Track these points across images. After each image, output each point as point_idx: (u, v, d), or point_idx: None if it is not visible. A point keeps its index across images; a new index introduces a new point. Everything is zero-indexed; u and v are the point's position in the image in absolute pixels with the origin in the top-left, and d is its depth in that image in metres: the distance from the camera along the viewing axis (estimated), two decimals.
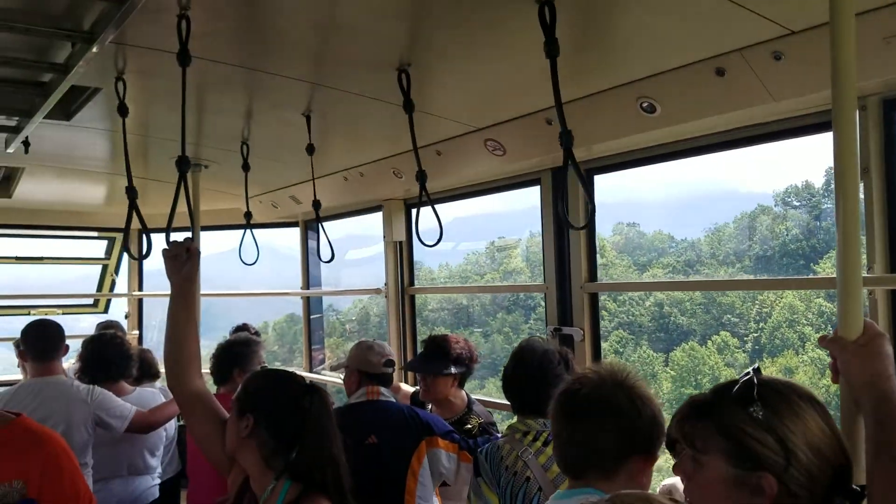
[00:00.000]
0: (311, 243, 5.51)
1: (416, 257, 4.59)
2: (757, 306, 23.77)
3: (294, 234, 5.64)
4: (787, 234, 24.92)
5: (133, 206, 2.60)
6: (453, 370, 3.22)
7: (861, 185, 2.16)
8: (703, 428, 1.29)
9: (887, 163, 2.18)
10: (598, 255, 3.30)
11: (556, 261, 3.33)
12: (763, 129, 2.52)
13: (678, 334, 24.10)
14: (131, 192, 2.66)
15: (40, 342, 3.54)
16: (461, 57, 2.37)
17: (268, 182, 4.58)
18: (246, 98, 3.00)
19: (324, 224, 5.51)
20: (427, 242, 2.69)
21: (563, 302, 3.31)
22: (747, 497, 1.23)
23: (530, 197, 3.50)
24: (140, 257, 5.61)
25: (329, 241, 3.56)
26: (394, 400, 3.07)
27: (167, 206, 2.73)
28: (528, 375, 2.67)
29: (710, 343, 23.59)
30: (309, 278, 5.54)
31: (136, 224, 2.60)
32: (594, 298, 3.28)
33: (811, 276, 17.61)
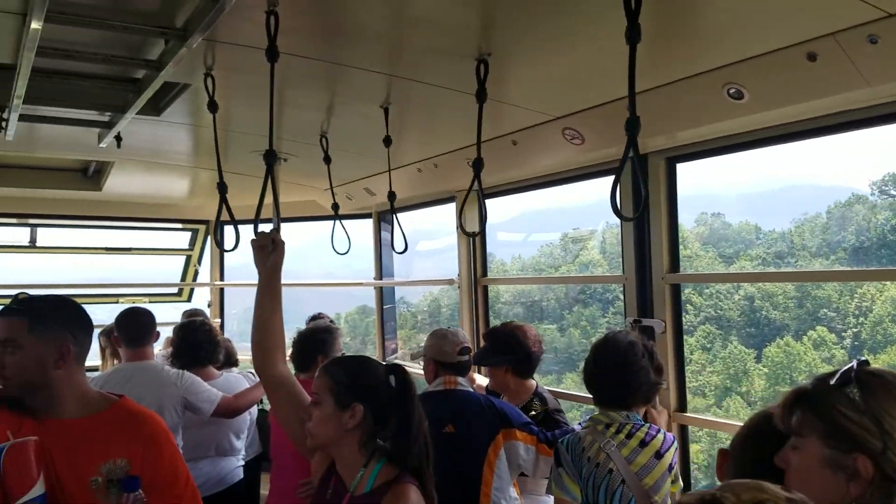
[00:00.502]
0: (384, 234, 5.58)
1: (491, 248, 4.59)
2: (856, 300, 22.70)
3: (361, 225, 5.73)
4: (885, 225, 23.69)
5: (224, 200, 2.69)
6: (501, 360, 3.24)
7: None
8: (802, 413, 1.28)
9: None
10: (680, 247, 3.23)
11: (636, 251, 3.27)
12: (856, 115, 2.40)
13: (770, 329, 23.19)
14: (222, 188, 2.75)
15: (134, 329, 3.72)
16: (542, 44, 2.35)
17: (343, 174, 4.66)
18: (326, 91, 3.06)
19: (396, 215, 5.61)
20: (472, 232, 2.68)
21: (643, 293, 3.25)
22: (843, 480, 1.21)
23: (606, 187, 3.45)
24: (225, 248, 5.78)
25: (402, 232, 3.59)
26: (471, 390, 3.09)
27: (245, 199, 2.84)
28: (611, 367, 2.64)
29: (805, 339, 22.64)
30: (382, 269, 5.61)
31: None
32: (676, 290, 3.20)
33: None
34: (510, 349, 3.29)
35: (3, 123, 3.08)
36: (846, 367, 1.28)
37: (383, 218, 5.57)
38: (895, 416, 1.20)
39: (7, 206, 5.23)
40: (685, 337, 3.25)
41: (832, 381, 1.28)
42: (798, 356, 22.04)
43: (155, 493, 2.04)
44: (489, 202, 4.45)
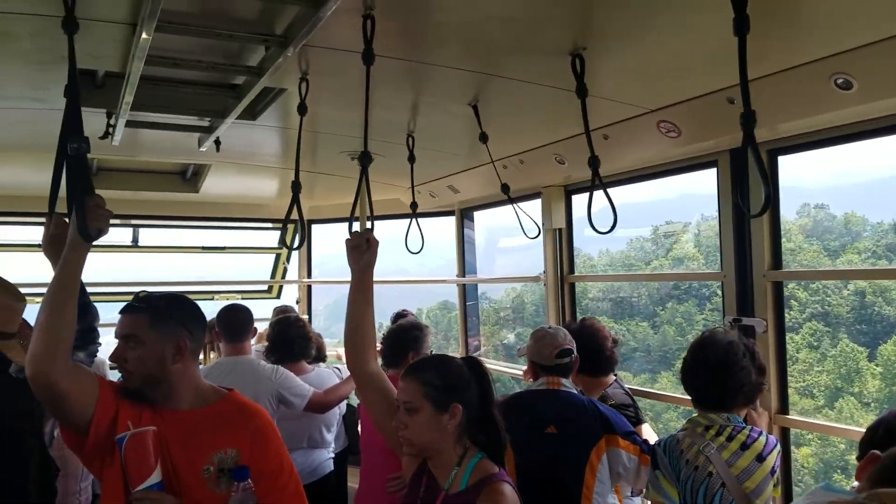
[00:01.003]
0: (467, 231, 5.58)
1: (575, 243, 4.53)
2: None
3: (438, 224, 5.76)
4: None
5: (295, 199, 2.75)
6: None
7: None
8: None
9: None
10: (782, 240, 3.09)
11: (736, 247, 3.15)
12: None
13: (884, 326, 21.84)
14: (295, 187, 2.82)
15: (233, 324, 3.87)
16: (638, 36, 2.29)
17: (426, 172, 4.69)
18: (413, 91, 3.07)
19: (478, 213, 5.61)
20: (601, 230, 2.62)
21: (742, 291, 3.13)
22: None
23: (698, 180, 3.35)
24: (293, 246, 5.94)
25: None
26: (576, 391, 3.03)
27: (334, 197, 2.89)
28: (710, 368, 2.56)
29: None
30: (465, 266, 5.62)
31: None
32: (778, 287, 3.07)
33: None
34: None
35: (111, 129, 3.24)
36: None
37: (466, 215, 5.58)
38: None
39: (112, 208, 5.46)
40: (789, 335, 3.12)
41: None
42: None
43: (262, 483, 2.10)
44: (575, 198, 4.44)
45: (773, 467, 2.51)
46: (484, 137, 3.24)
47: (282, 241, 6.02)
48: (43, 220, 2.29)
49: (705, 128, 2.83)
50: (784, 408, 3.07)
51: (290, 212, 2.85)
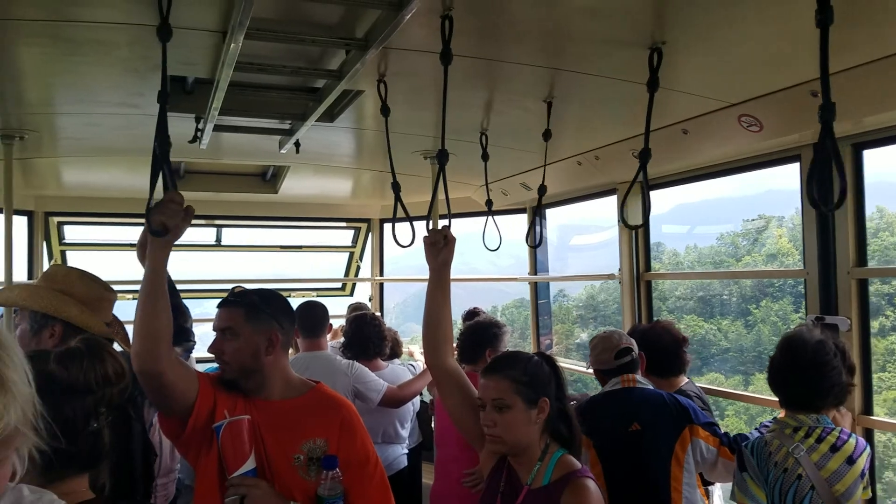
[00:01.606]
0: (538, 228, 5.56)
1: (657, 238, 4.46)
2: None
3: (510, 221, 5.75)
4: None
5: (398, 199, 2.81)
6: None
7: None
8: None
9: None
10: (866, 235, 2.98)
11: (819, 243, 3.06)
12: None
13: None
14: (396, 187, 2.88)
15: (311, 321, 3.98)
16: (719, 30, 2.25)
17: (499, 170, 4.71)
18: (487, 89, 3.10)
19: (551, 210, 5.59)
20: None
21: (826, 288, 3.04)
22: None
23: (792, 174, 3.25)
24: (402, 244, 6.04)
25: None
26: (651, 386, 3.03)
27: (406, 196, 2.95)
28: (798, 367, 2.51)
29: None
30: (536, 264, 5.61)
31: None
32: (863, 285, 2.97)
33: None
34: (641, 347, 3.23)
35: (199, 133, 3.39)
36: None
37: (538, 213, 5.56)
38: None
39: (197, 209, 5.69)
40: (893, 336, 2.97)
41: None
42: None
43: (349, 472, 2.18)
44: (653, 193, 4.36)
45: (864, 470, 2.44)
46: (547, 135, 3.23)
47: (354, 240, 6.13)
48: (142, 221, 2.42)
49: (788, 121, 2.75)
50: (868, 408, 2.97)
51: (395, 210, 2.92)
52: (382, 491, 2.31)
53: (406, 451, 4.34)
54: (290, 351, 4.60)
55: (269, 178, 5.33)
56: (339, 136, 3.91)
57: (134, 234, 5.55)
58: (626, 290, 4.43)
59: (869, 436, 2.98)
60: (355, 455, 2.25)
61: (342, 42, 2.36)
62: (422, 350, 2.56)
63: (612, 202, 4.54)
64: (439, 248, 2.42)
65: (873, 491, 2.59)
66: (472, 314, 4.97)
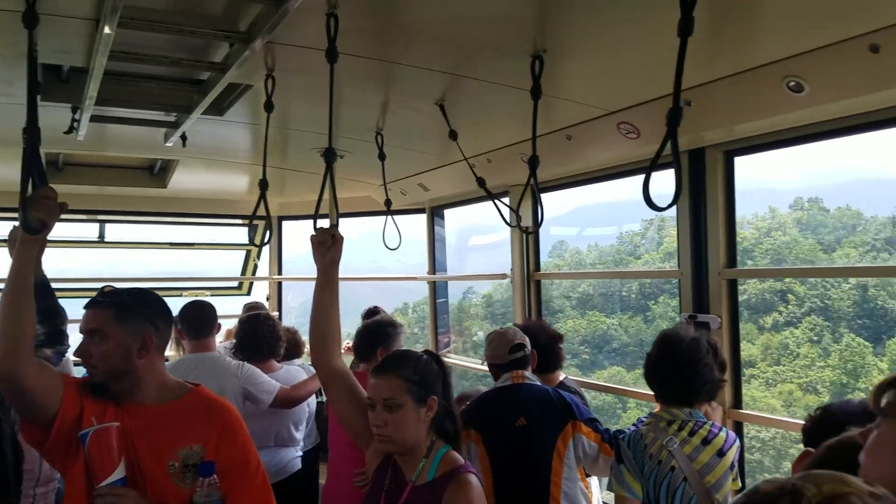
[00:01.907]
0: (438, 229, 5.62)
1: (562, 237, 4.59)
2: None
3: (417, 220, 5.78)
4: None
5: (262, 197, 2.77)
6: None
7: None
8: (893, 394, 1.28)
9: None
10: (736, 237, 3.18)
11: (692, 245, 3.24)
12: None
13: (888, 321, 21.78)
14: (263, 185, 2.83)
15: (197, 321, 3.86)
16: (598, 39, 2.35)
17: (397, 170, 4.72)
18: (381, 90, 3.11)
19: (448, 211, 5.65)
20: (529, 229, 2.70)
21: (698, 288, 3.22)
22: None
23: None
24: (256, 243, 5.94)
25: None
26: (539, 382, 3.13)
27: (306, 194, 2.92)
28: (674, 364, 2.63)
29: None
30: (435, 264, 5.66)
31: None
32: (733, 285, 3.16)
33: None
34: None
35: (75, 124, 3.22)
36: None
37: (436, 213, 5.62)
38: None
39: (78, 203, 5.44)
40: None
41: None
42: None
43: (228, 478, 2.12)
44: (543, 196, 4.48)
45: (733, 462, 2.58)
46: (454, 135, 3.27)
47: (250, 239, 6.01)
48: (13, 215, 2.29)
49: (662, 129, 2.88)
50: (738, 402, 3.16)
51: (256, 208, 2.86)
52: (264, 496, 2.26)
53: (300, 453, 4.27)
54: (176, 352, 4.49)
55: (157, 172, 5.12)
56: (230, 130, 3.82)
57: (4, 228, 5.23)
58: (517, 290, 4.54)
59: (739, 429, 3.18)
60: (235, 460, 2.19)
61: (223, 34, 2.31)
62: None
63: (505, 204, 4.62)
64: (327, 247, 2.41)
65: (742, 482, 2.75)
66: (371, 313, 4.95)
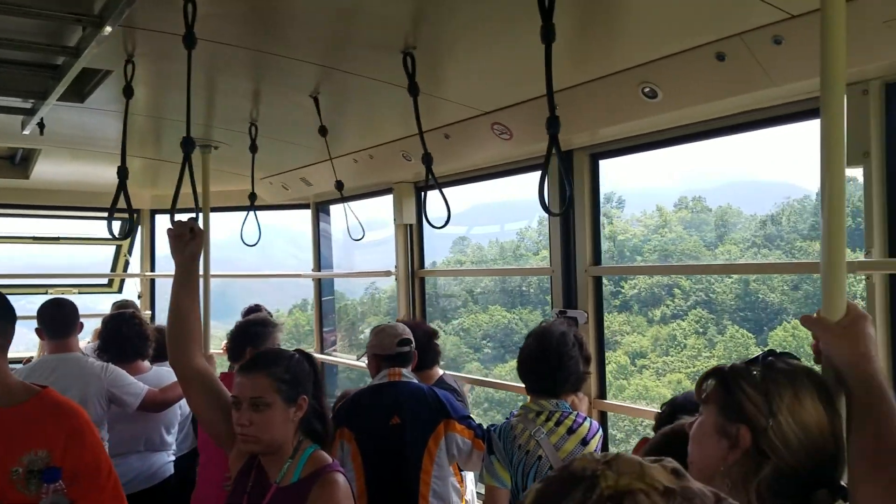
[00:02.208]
0: (323, 225, 5.55)
1: (463, 233, 4.63)
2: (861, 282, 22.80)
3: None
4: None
5: (122, 186, 2.65)
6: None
7: (861, 170, 2.17)
8: (713, 383, 1.38)
9: (888, 147, 2.17)
10: (601, 236, 3.32)
11: (562, 244, 3.35)
12: (765, 113, 2.51)
13: (768, 313, 22.88)
14: (122, 173, 2.70)
15: (56, 320, 3.63)
16: (466, 40, 2.39)
17: (278, 164, 4.62)
18: (254, 80, 3.03)
19: (334, 207, 5.59)
20: (436, 225, 2.73)
21: (567, 284, 3.34)
22: (726, 445, 1.31)
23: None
24: (115, 234, 5.68)
25: (358, 220, 3.60)
26: (415, 380, 3.13)
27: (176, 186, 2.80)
28: (544, 357, 2.72)
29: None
30: (321, 260, 5.59)
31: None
32: (598, 281, 3.30)
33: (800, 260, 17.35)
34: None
35: None
36: (761, 353, 1.39)
37: (321, 209, 5.54)
38: (785, 400, 1.28)
39: None
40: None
41: (745, 362, 1.38)
42: (807, 338, 21.84)
43: (76, 485, 2.04)
44: (432, 193, 4.51)
45: (596, 450, 2.69)
46: (323, 131, 3.23)
47: (110, 232, 5.72)
48: None
49: (534, 131, 2.96)
50: (602, 393, 3.30)
51: (115, 200, 2.72)
52: (116, 501, 2.17)
53: (172, 458, 4.10)
54: (35, 354, 4.21)
55: (18, 162, 4.79)
56: (93, 118, 3.61)
57: None
58: (402, 287, 4.56)
59: (603, 417, 3.32)
60: (84, 466, 2.10)
61: (73, 17, 2.18)
62: None
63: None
64: (185, 241, 2.33)
65: None
66: (249, 311, 4.82)
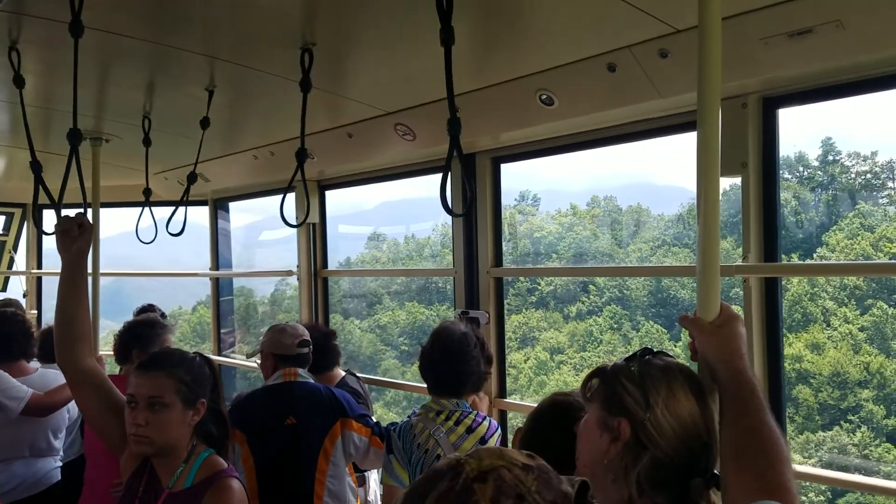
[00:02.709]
0: (222, 223, 5.39)
1: (378, 229, 4.59)
2: None
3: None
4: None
5: (39, 181, 2.50)
6: None
7: (739, 179, 2.31)
8: (596, 382, 1.45)
9: (765, 158, 2.32)
10: (502, 239, 3.39)
11: (465, 245, 3.40)
12: (652, 124, 2.62)
13: (679, 309, 23.41)
14: (36, 167, 2.55)
15: None
16: (368, 39, 2.38)
17: (173, 158, 4.46)
18: (147, 71, 2.92)
19: (237, 204, 5.44)
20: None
21: (470, 286, 3.39)
22: (608, 439, 1.37)
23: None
24: (44, 232, 5.37)
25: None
26: (311, 381, 3.09)
27: (71, 181, 2.65)
28: (446, 357, 2.74)
29: None
30: (218, 259, 5.42)
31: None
32: (499, 282, 3.37)
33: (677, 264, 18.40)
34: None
35: None
36: (638, 350, 1.46)
37: (220, 206, 5.38)
38: (661, 394, 1.35)
39: None
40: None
41: (624, 359, 1.45)
42: None
43: None
44: (330, 193, 4.47)
45: None
46: (206, 123, 3.12)
47: (6, 227, 5.39)
48: None
49: (436, 133, 2.99)
50: (502, 392, 3.37)
51: (36, 195, 2.54)
52: None
53: (59, 464, 3.90)
54: None
55: None
56: None
57: None
58: (304, 287, 4.49)
59: (503, 417, 3.39)
60: None
61: None
62: None
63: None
64: (73, 236, 2.25)
65: None
66: (142, 311, 4.63)
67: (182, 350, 2.35)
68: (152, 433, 2.07)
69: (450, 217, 2.49)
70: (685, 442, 1.34)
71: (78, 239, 2.25)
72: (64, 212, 2.35)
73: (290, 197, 4.50)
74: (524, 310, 24.73)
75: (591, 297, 24.26)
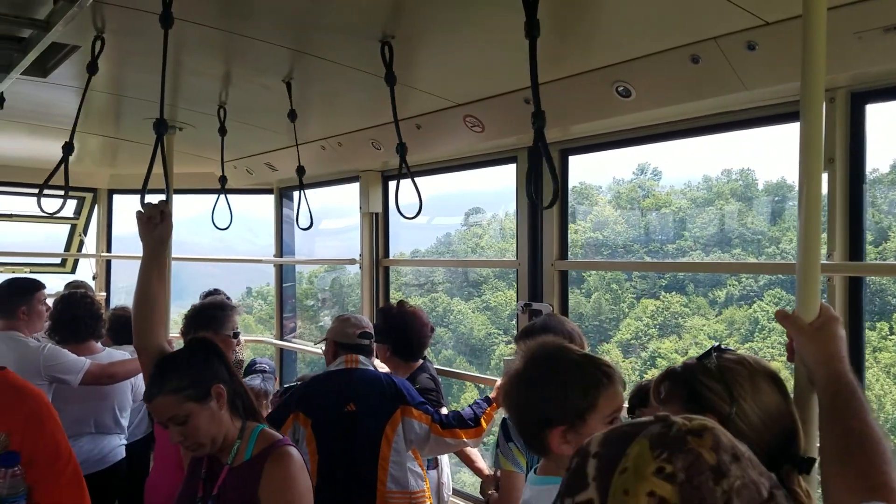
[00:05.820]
0: (286, 211, 5.49)
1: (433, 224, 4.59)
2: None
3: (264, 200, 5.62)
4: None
5: (63, 162, 2.58)
6: (380, 340, 3.40)
7: (825, 175, 2.25)
8: (669, 384, 1.45)
9: (852, 154, 2.25)
10: (568, 232, 3.36)
11: (529, 238, 3.38)
12: (735, 116, 2.57)
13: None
14: (68, 148, 2.62)
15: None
16: (444, 32, 2.38)
17: (243, 147, 4.55)
18: (225, 61, 2.98)
19: (297, 192, 5.51)
20: (407, 215, 2.72)
21: (534, 278, 3.38)
22: None
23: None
24: (54, 213, 5.53)
25: (309, 209, 3.56)
26: (372, 368, 3.14)
27: (137, 167, 2.73)
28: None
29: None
30: (282, 246, 5.53)
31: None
32: (564, 275, 3.35)
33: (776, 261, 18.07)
34: (392, 330, 3.41)
35: None
36: (709, 349, 1.45)
37: (285, 194, 5.48)
38: (745, 387, 1.35)
39: None
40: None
41: (696, 359, 1.45)
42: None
43: (34, 469, 2.00)
44: (393, 184, 4.49)
45: None
46: (293, 115, 3.19)
47: (78, 211, 5.56)
48: None
49: (505, 125, 2.99)
50: None
51: (50, 177, 2.63)
52: (74, 488, 2.14)
53: (124, 442, 4.01)
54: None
55: None
56: (56, 93, 3.50)
57: None
58: (366, 275, 4.54)
59: None
60: (41, 451, 2.06)
61: None
62: None
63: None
64: (155, 223, 2.31)
65: None
66: (208, 295, 4.75)
67: (174, 356, 2.25)
68: (194, 440, 2.09)
69: (511, 210, 2.47)
70: (772, 429, 1.35)
71: (159, 226, 2.31)
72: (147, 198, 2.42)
73: (355, 186, 4.58)
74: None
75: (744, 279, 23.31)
